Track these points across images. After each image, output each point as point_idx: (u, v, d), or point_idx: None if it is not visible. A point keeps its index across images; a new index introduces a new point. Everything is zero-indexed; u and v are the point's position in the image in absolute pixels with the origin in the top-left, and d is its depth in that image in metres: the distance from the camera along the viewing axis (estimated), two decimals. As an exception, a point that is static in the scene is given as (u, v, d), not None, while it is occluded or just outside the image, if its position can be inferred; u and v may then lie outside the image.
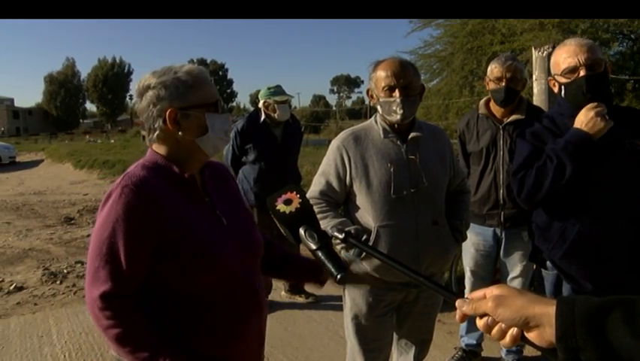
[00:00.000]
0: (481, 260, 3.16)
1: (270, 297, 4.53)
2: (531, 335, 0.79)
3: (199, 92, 1.47)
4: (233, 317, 1.49)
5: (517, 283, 3.08)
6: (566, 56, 2.11)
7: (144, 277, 1.41)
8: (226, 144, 1.56)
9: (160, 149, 1.50)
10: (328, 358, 3.52)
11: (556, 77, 2.18)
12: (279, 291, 4.67)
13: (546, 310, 0.78)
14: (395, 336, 2.45)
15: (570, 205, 2.13)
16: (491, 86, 2.95)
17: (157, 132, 1.48)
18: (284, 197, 1.15)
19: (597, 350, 0.72)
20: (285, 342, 3.78)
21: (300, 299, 4.55)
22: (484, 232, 3.08)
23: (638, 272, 2.09)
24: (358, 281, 2.21)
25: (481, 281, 3.19)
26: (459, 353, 3.36)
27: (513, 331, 0.81)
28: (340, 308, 2.45)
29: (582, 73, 2.07)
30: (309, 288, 4.58)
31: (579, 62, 2.08)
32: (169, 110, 1.44)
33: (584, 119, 2.05)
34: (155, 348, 1.35)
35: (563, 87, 2.15)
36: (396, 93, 2.11)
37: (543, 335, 0.78)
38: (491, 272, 3.23)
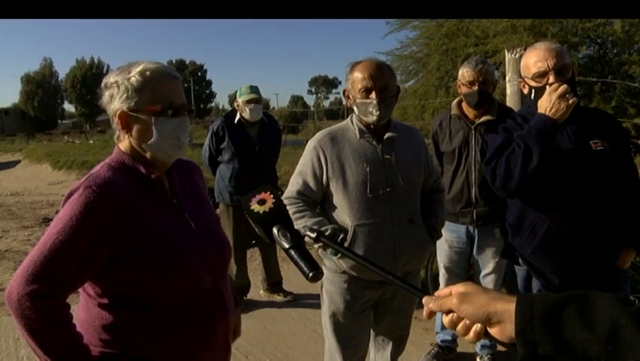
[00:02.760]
0: (455, 257, 3.22)
1: (249, 296, 4.56)
2: (493, 331, 0.83)
3: (149, 95, 1.39)
4: (201, 323, 1.45)
5: (490, 279, 3.15)
6: (536, 59, 2.17)
7: (95, 280, 1.37)
8: (180, 150, 1.47)
9: (125, 148, 1.46)
10: (307, 355, 3.54)
11: (526, 79, 2.24)
12: (257, 290, 4.68)
13: (507, 307, 0.81)
14: (372, 333, 2.48)
15: (540, 203, 2.20)
16: (464, 89, 3.00)
17: (117, 132, 1.46)
18: (258, 197, 1.16)
19: (553, 344, 0.76)
20: (264, 340, 3.80)
21: (278, 298, 4.57)
22: (457, 230, 3.14)
23: (605, 267, 2.17)
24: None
25: (455, 278, 3.24)
26: (435, 349, 3.41)
27: (477, 327, 0.84)
28: (318, 306, 2.47)
29: (551, 78, 2.13)
30: (287, 287, 4.62)
31: (548, 67, 2.13)
32: (119, 112, 1.40)
33: (547, 104, 2.09)
34: (74, 356, 1.31)
35: (533, 90, 2.21)
36: (373, 95, 2.14)
37: (504, 330, 0.81)
38: (465, 269, 3.29)
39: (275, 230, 1.11)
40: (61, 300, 1.31)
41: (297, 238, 1.10)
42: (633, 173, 2.30)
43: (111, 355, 1.39)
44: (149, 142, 1.41)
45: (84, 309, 1.44)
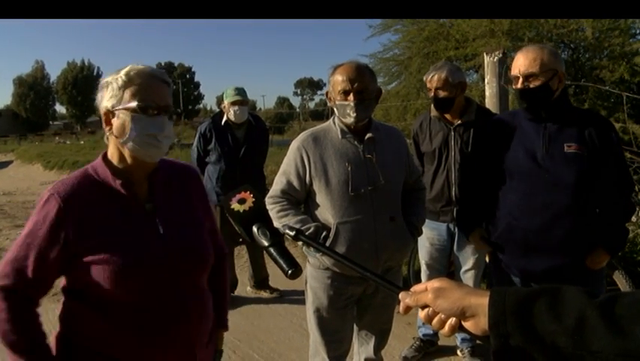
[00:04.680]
0: (436, 254, 3.29)
1: (236, 292, 4.64)
2: (468, 324, 0.84)
3: (130, 93, 1.42)
4: (153, 328, 1.45)
5: (470, 275, 3.23)
6: (515, 64, 2.26)
7: (55, 281, 1.46)
8: (158, 149, 1.47)
9: (109, 151, 1.51)
10: (293, 350, 3.60)
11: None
12: (244, 287, 4.75)
13: (481, 301, 0.83)
14: (356, 328, 2.52)
15: (503, 199, 2.29)
16: (430, 95, 3.14)
17: (106, 134, 1.49)
18: (238, 196, 1.18)
19: (524, 335, 0.78)
20: (251, 336, 3.87)
21: (265, 294, 4.64)
22: (438, 228, 3.22)
23: (568, 267, 2.23)
24: None
25: (436, 274, 3.32)
26: (417, 342, 3.48)
27: (451, 321, 0.86)
28: (304, 302, 2.51)
29: (519, 84, 2.23)
30: (273, 283, 4.69)
31: (519, 72, 2.22)
32: (104, 111, 1.46)
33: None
34: (33, 353, 1.39)
35: (514, 90, 2.31)
36: (351, 97, 2.19)
37: (478, 323, 0.83)
38: (446, 265, 3.38)
39: (255, 228, 1.12)
40: (27, 297, 1.42)
41: (276, 236, 1.11)
42: (621, 178, 2.30)
43: (69, 350, 1.48)
44: (125, 138, 1.44)
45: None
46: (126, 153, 1.48)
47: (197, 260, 1.56)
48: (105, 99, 1.46)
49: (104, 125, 1.48)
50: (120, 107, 1.43)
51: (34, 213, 1.43)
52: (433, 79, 3.04)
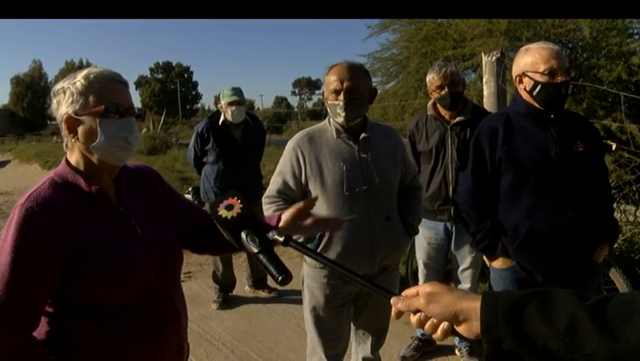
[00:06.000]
0: (433, 253, 3.30)
1: (235, 292, 4.65)
2: (460, 329, 0.85)
3: (93, 98, 1.38)
4: (151, 330, 1.45)
5: (467, 274, 3.24)
6: (549, 57, 2.18)
7: (55, 299, 1.37)
8: (128, 151, 1.45)
9: (72, 158, 1.45)
10: (291, 349, 3.62)
11: (530, 74, 2.22)
12: (242, 286, 4.76)
13: (473, 305, 0.84)
14: (353, 327, 2.53)
15: (521, 203, 2.26)
16: (434, 95, 3.10)
17: (65, 140, 1.45)
18: (225, 203, 1.17)
19: (516, 339, 0.79)
20: (249, 335, 3.88)
21: (263, 294, 4.66)
22: (435, 227, 3.23)
23: (584, 263, 2.27)
24: None
25: (433, 273, 3.34)
26: (415, 342, 3.49)
27: (444, 325, 0.87)
28: (302, 302, 2.52)
29: (560, 77, 2.16)
30: (271, 283, 4.69)
31: (560, 66, 2.17)
32: (65, 117, 1.40)
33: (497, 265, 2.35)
34: None
35: (539, 85, 2.19)
36: (341, 97, 2.20)
37: (471, 327, 0.84)
38: (443, 264, 3.39)
39: (243, 235, 1.11)
40: (33, 328, 1.33)
41: (265, 243, 1.09)
42: (606, 174, 2.40)
43: None
44: (95, 144, 1.39)
45: None
46: (94, 158, 1.43)
47: (175, 257, 1.58)
48: (64, 106, 1.40)
49: (64, 132, 1.43)
50: (84, 112, 1.39)
51: (11, 235, 1.30)
52: (445, 73, 3.02)
